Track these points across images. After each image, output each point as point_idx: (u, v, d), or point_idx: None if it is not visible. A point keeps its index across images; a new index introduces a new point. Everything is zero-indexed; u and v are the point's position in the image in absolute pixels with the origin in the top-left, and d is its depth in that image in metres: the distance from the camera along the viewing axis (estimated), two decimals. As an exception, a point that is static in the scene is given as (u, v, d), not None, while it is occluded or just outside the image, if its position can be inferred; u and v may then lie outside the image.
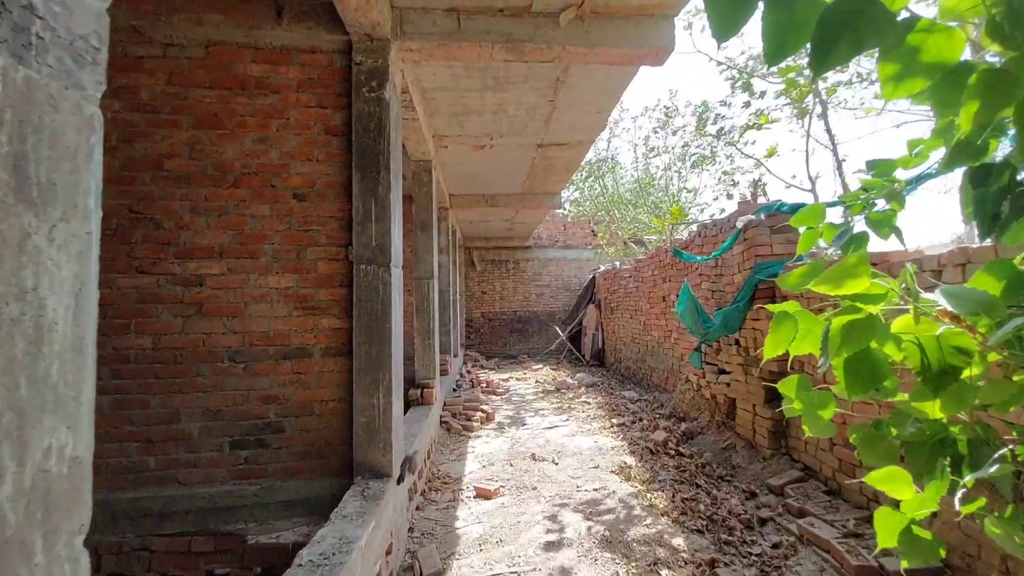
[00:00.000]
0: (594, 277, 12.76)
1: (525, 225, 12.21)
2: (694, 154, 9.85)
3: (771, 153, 7.62)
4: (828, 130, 7.21)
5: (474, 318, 14.79)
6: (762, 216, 4.08)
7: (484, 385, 9.16)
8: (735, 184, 9.31)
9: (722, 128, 8.69)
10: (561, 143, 6.30)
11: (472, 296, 14.82)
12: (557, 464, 4.78)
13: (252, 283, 3.25)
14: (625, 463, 4.58)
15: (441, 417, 6.47)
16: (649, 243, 11.53)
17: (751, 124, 7.67)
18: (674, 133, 10.18)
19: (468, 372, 10.76)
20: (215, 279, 3.23)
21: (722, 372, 4.80)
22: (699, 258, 4.83)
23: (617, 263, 11.06)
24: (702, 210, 10.53)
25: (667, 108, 9.59)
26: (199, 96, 3.29)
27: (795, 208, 3.81)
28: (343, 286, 3.27)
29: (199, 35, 3.28)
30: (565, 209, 14.39)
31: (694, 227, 6.16)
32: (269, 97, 3.33)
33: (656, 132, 10.64)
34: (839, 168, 7.08)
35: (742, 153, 8.66)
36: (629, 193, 12.28)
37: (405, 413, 5.34)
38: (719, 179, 10.06)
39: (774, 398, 4.05)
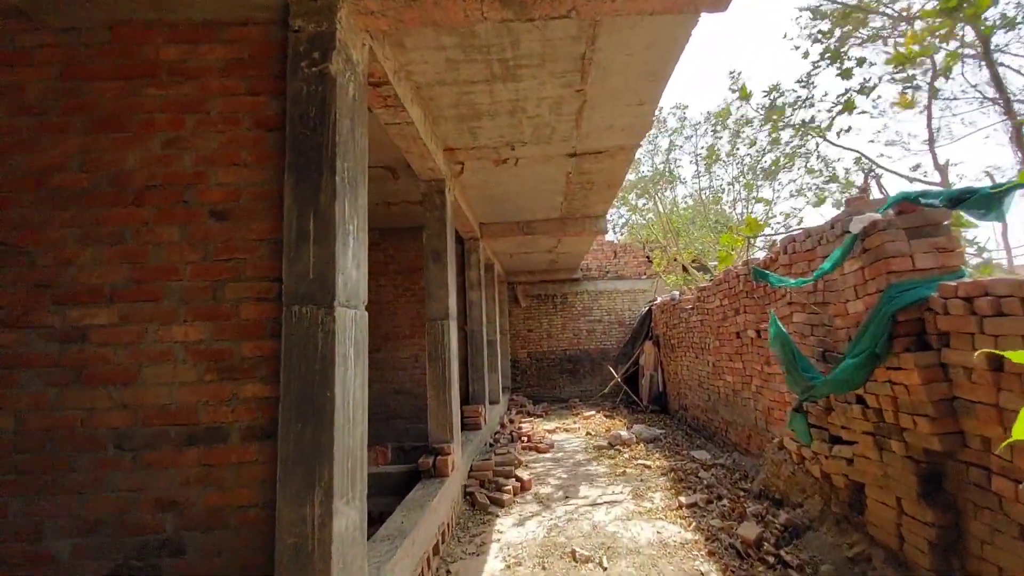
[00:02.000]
0: (650, 309, 11.35)
1: (570, 255, 11.10)
2: (770, 150, 8.20)
3: (906, 105, 5.82)
4: (996, 82, 5.44)
5: (520, 358, 13.65)
6: (891, 213, 2.78)
7: (525, 439, 7.92)
8: (834, 181, 7.68)
9: (803, 121, 7.13)
10: (598, 151, 5.22)
11: (517, 335, 13.73)
12: (606, 570, 3.48)
13: (151, 336, 2.33)
14: (702, 574, 3.23)
15: (466, 488, 5.31)
16: (714, 269, 10.07)
17: (844, 103, 6.16)
18: (738, 132, 8.76)
19: (510, 421, 9.56)
20: (102, 332, 2.34)
21: (838, 441, 3.39)
22: (792, 282, 3.52)
23: (676, 293, 9.66)
24: (783, 225, 8.99)
25: (736, 88, 7.91)
26: (97, 91, 2.50)
27: (954, 197, 2.49)
28: (275, 336, 2.29)
29: (101, 14, 2.52)
30: (614, 235, 13.18)
31: (778, 240, 4.81)
32: (185, 85, 2.49)
33: (717, 131, 9.23)
34: (1019, 137, 5.33)
35: (834, 144, 7.03)
36: (690, 211, 10.94)
37: (412, 489, 4.24)
38: (799, 186, 8.54)
39: (934, 491, 2.63)
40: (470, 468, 5.75)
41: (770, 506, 3.93)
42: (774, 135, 7.41)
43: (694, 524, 4.00)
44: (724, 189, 10.45)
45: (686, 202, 11.32)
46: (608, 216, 8.46)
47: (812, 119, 6.84)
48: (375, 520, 4.75)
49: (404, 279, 8.40)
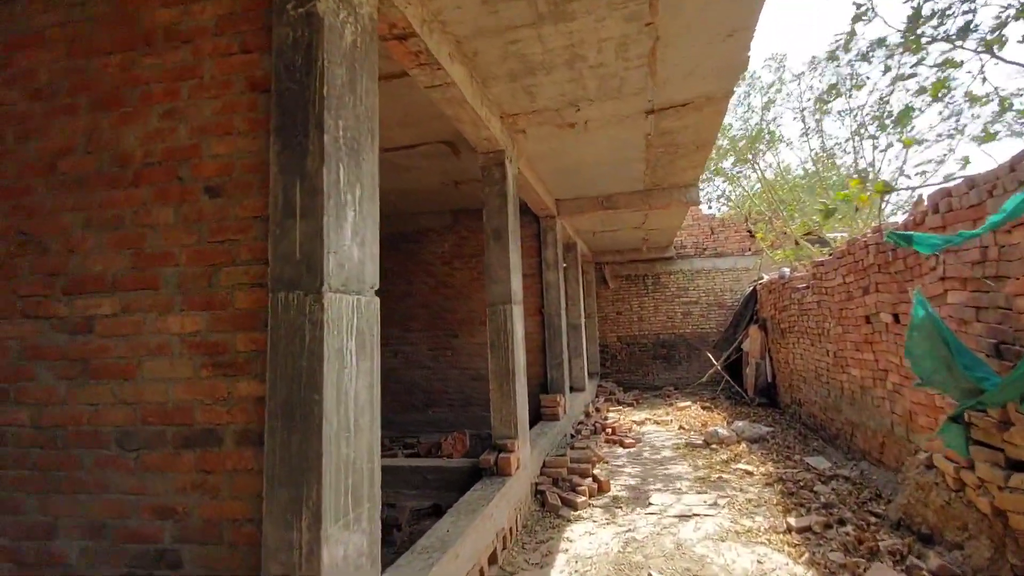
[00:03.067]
0: (755, 290, 10.07)
1: (660, 232, 10.14)
2: (911, 74, 6.43)
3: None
4: None
5: (609, 343, 12.93)
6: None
7: (609, 431, 7.32)
8: (1008, 111, 5.97)
9: (963, 27, 5.37)
10: (680, 103, 4.42)
11: (605, 318, 13.00)
12: (687, 605, 2.87)
13: (149, 327, 2.13)
14: (815, 628, 2.51)
15: (537, 486, 4.89)
16: (834, 241, 8.60)
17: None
18: (866, 57, 7.12)
19: (596, 410, 8.98)
20: (106, 322, 2.19)
21: (1019, 468, 2.46)
22: (957, 237, 2.58)
23: (785, 270, 8.38)
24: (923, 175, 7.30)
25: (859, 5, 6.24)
26: (99, 66, 2.35)
27: None
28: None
29: (102, -18, 2.36)
30: (710, 207, 11.90)
31: (924, 196, 3.73)
32: (180, 50, 2.25)
33: (837, 60, 7.59)
34: None
35: (1008, 61, 5.31)
36: (799, 179, 9.45)
37: (471, 488, 3.89)
38: (952, 125, 6.82)
39: None
40: (543, 464, 5.32)
41: (913, 542, 3.02)
42: (919, 53, 5.87)
43: (807, 555, 3.21)
44: (841, 146, 8.82)
45: (795, 170, 9.77)
46: (700, 186, 7.47)
47: (974, 28, 5.24)
48: (438, 514, 4.53)
49: (479, 262, 8.10)
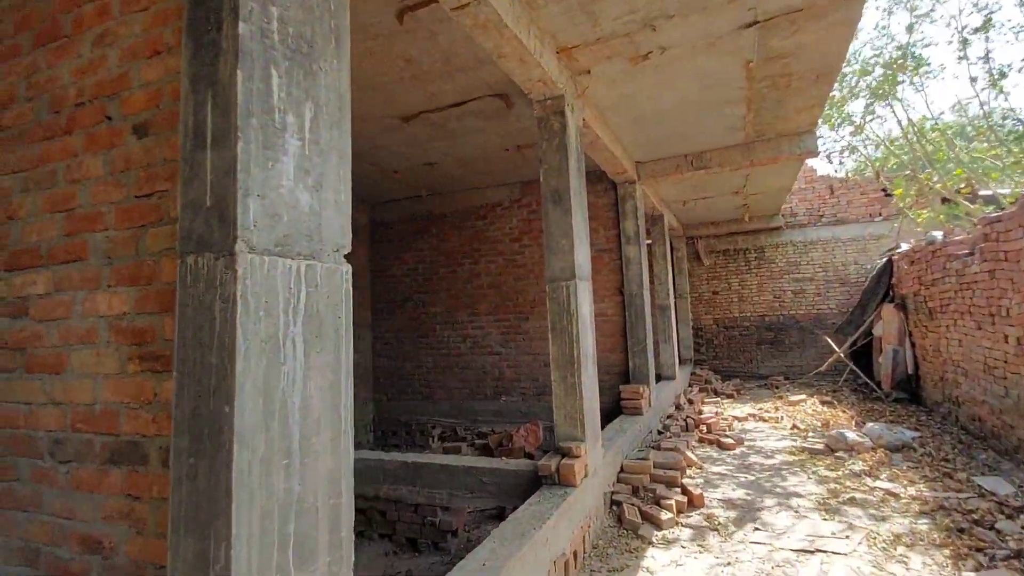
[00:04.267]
0: (889, 262, 8.32)
1: (765, 197, 8.70)
2: None
3: None
4: None
5: (704, 326, 11.62)
6: None
7: (704, 428, 6.32)
8: None
9: None
10: (795, 8, 3.34)
11: (700, 298, 11.68)
12: None
13: (78, 309, 1.69)
14: None
15: (612, 495, 4.13)
16: (1004, 198, 6.75)
17: None
18: None
19: (689, 402, 7.94)
20: (40, 304, 1.78)
21: None
22: None
23: (936, 234, 6.72)
24: None
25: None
26: (37, -7, 1.93)
27: None
28: (201, 307, 1.45)
29: None
30: (830, 162, 10.08)
31: None
32: (108, -46, 1.76)
33: None
34: None
35: None
36: (954, 119, 7.56)
37: (528, 500, 3.24)
38: None
39: None
40: (620, 468, 4.53)
41: None
42: None
43: (1003, 636, 2.19)
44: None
45: (946, 112, 7.84)
46: (818, 132, 6.10)
47: None
48: (502, 518, 3.95)
49: (551, 238, 7.34)
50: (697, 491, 4.17)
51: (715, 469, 4.99)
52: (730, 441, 5.73)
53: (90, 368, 1.63)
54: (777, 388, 9.38)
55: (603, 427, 5.22)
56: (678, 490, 4.25)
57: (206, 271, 1.27)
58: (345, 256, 1.57)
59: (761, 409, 7.57)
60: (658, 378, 8.16)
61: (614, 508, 4.06)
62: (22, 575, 1.71)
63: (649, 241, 8.81)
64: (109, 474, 1.57)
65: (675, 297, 10.97)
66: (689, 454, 5.12)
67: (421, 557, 4.14)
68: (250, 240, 1.26)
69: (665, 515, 3.80)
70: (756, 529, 3.63)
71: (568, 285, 3.76)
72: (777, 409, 7.54)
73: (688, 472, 4.78)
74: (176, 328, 1.32)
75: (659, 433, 6.19)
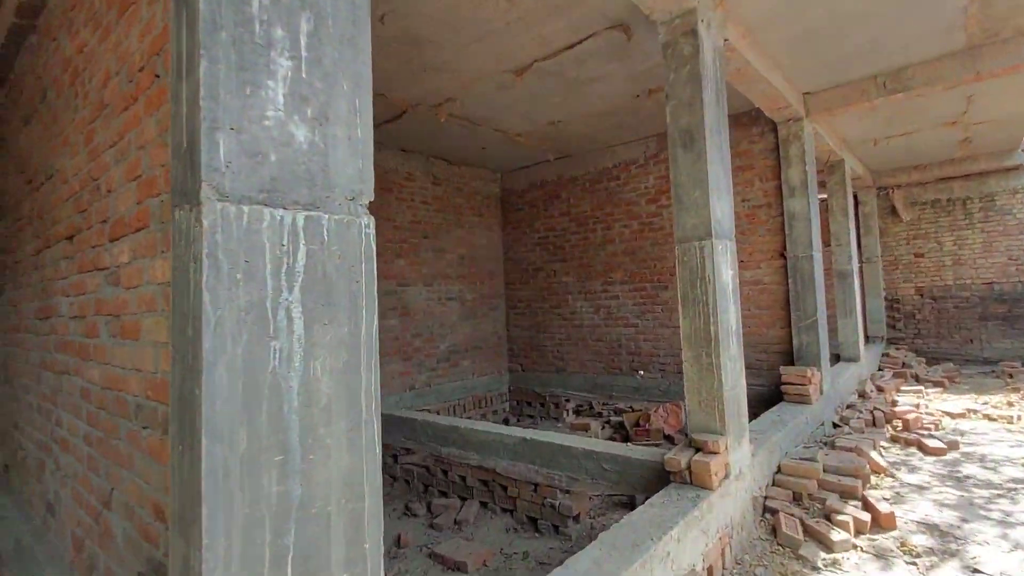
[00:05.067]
0: None
1: (997, 124, 6.53)
2: None
3: None
4: None
5: (902, 296, 9.44)
6: None
7: (897, 425, 5.03)
8: None
9: None
10: None
11: (895, 262, 9.49)
12: None
13: (145, 276, 1.67)
14: None
15: (765, 501, 3.42)
16: None
17: None
18: None
19: (878, 390, 6.48)
20: (125, 271, 1.83)
21: None
22: None
23: None
24: None
25: None
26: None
27: None
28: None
29: None
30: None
31: None
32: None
33: None
34: None
35: None
36: None
37: (650, 499, 2.76)
38: None
39: None
40: (777, 468, 3.74)
41: None
42: None
43: None
44: None
45: None
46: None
47: None
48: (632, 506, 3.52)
49: (694, 196, 6.42)
50: (885, 507, 3.23)
51: (912, 479, 3.88)
52: (937, 444, 4.44)
53: (152, 336, 1.60)
54: (1012, 377, 7.20)
55: (755, 416, 4.40)
56: (857, 503, 3.35)
57: (185, 226, 1.06)
58: (367, 206, 1.26)
59: (986, 403, 5.83)
60: (835, 359, 6.79)
61: (767, 517, 3.35)
62: (124, 528, 1.80)
63: (823, 195, 7.27)
64: (167, 445, 1.53)
65: (860, 262, 9.05)
66: (875, 457, 4.06)
67: (541, 539, 3.91)
68: (220, 185, 1.01)
69: (838, 534, 3.00)
70: (968, 569, 2.65)
71: (702, 246, 3.09)
72: (1011, 405, 5.73)
73: (872, 481, 3.78)
74: (171, 295, 1.14)
75: (834, 427, 5.08)
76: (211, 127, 1.00)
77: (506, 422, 7.69)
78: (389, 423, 5.21)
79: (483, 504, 4.41)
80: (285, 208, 1.10)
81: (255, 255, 1.05)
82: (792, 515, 3.24)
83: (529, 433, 4.16)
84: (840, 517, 3.15)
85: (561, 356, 7.37)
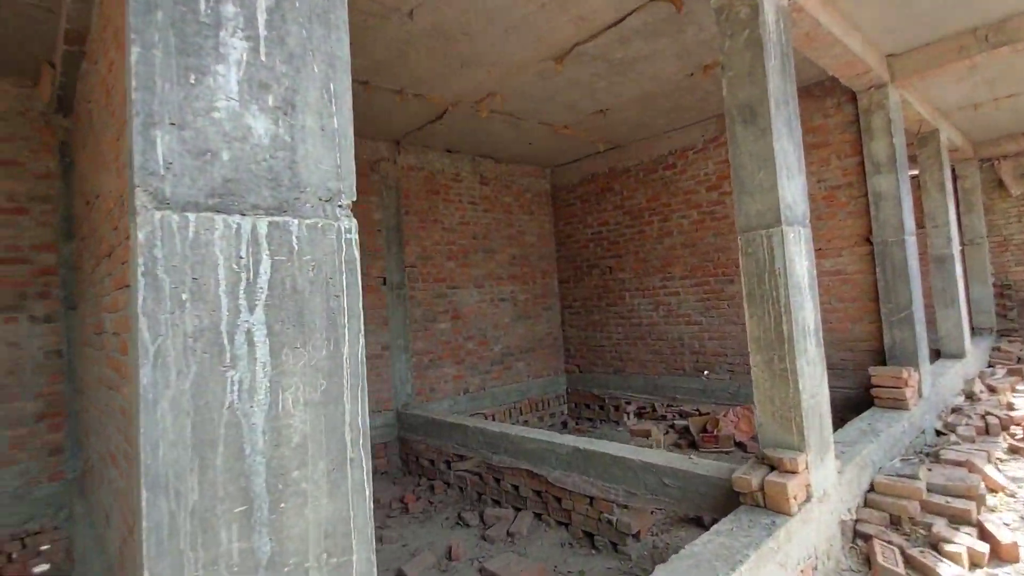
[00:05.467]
0: None
1: None
2: None
3: None
4: None
5: (1015, 282, 8.25)
6: None
7: (1017, 432, 4.30)
8: None
9: None
10: None
11: (1006, 242, 8.32)
12: None
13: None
14: None
15: (855, 525, 2.97)
16: None
17: None
18: None
19: (989, 390, 5.64)
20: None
21: None
22: None
23: None
24: None
25: None
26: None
27: None
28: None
29: None
30: None
31: None
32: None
33: None
34: None
35: None
36: None
37: (715, 525, 2.44)
38: None
39: None
40: (869, 486, 3.26)
41: None
42: None
43: None
44: None
45: None
46: None
47: None
48: (700, 526, 3.17)
49: (761, 180, 5.86)
50: (1007, 535, 2.70)
51: (1045, 500, 3.25)
52: (1073, 456, 3.73)
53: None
54: None
55: (840, 425, 3.90)
56: (971, 530, 2.83)
57: (128, 240, 0.92)
58: (349, 207, 1.08)
59: None
60: (935, 355, 5.99)
61: (858, 543, 2.90)
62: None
63: (914, 171, 6.45)
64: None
65: (962, 244, 8.00)
66: (991, 473, 3.46)
67: (598, 557, 3.65)
68: (158, 191, 0.86)
69: (948, 568, 2.53)
70: None
71: (769, 234, 2.70)
72: None
73: (989, 502, 3.20)
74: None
75: (937, 435, 4.44)
76: (146, 123, 0.85)
77: (564, 425, 7.43)
78: (441, 428, 5.12)
79: (537, 516, 4.20)
80: (243, 214, 0.94)
81: (205, 271, 0.89)
82: (890, 543, 2.78)
83: (582, 442, 3.90)
84: (950, 547, 2.66)
85: (620, 356, 7.02)
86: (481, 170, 6.90)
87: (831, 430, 2.89)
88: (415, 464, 5.47)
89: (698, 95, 5.18)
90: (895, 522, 3.02)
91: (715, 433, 5.62)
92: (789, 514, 2.44)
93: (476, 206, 6.83)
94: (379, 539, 4.04)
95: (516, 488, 4.35)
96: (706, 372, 6.24)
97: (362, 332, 1.07)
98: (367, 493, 1.05)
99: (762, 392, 2.77)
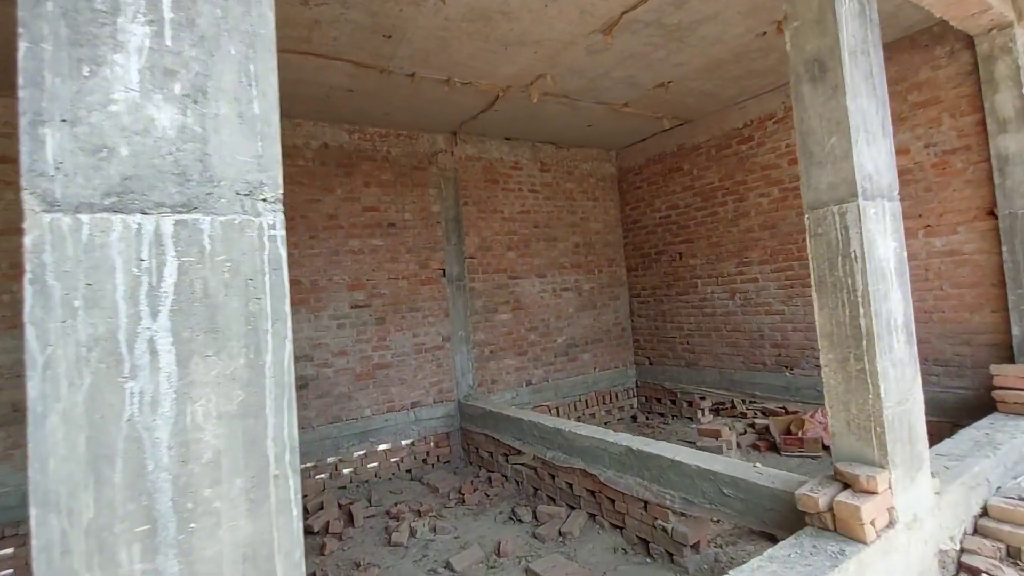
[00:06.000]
0: None
1: None
2: None
3: None
4: None
5: None
6: None
7: None
8: None
9: None
10: None
11: None
12: None
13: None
14: None
15: (959, 555, 2.49)
16: None
17: None
18: None
19: None
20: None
21: None
22: None
23: None
24: None
25: None
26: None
27: None
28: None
29: None
30: None
31: None
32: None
33: None
34: None
35: None
36: None
37: (771, 550, 2.14)
38: None
39: None
40: (982, 510, 2.72)
41: None
42: None
43: None
44: None
45: None
46: None
47: None
48: (770, 540, 2.83)
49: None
50: None
51: None
52: None
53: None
54: None
55: (950, 434, 3.31)
56: None
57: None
58: (277, 201, 0.99)
59: None
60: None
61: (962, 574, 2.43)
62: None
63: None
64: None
65: None
66: None
67: (651, 566, 3.41)
68: (48, 192, 0.81)
69: (1086, 621, 2.02)
70: None
71: (843, 211, 2.29)
72: None
73: None
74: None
75: (1085, 447, 3.63)
76: (33, 121, 0.81)
77: (634, 419, 7.11)
78: (498, 421, 5.07)
79: (591, 516, 4.02)
80: (145, 213, 0.87)
81: (101, 275, 0.84)
82: (1004, 572, 2.29)
83: (636, 442, 3.65)
84: (1094, 594, 2.13)
85: (692, 348, 6.55)
86: (541, 156, 6.70)
87: (926, 443, 2.42)
88: (475, 455, 5.48)
89: (774, 57, 4.61)
90: (1013, 555, 2.49)
91: (800, 435, 5.06)
92: (864, 541, 2.07)
93: (537, 194, 6.66)
94: (433, 529, 4.07)
95: (570, 486, 4.19)
96: (791, 368, 5.64)
97: (289, 338, 0.98)
98: (294, 513, 0.96)
99: (835, 397, 2.38)
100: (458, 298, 5.88)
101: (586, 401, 6.80)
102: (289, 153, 4.93)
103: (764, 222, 5.66)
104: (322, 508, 4.39)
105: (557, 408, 6.52)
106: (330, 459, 4.93)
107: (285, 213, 1.01)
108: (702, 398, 6.44)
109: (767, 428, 5.48)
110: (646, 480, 3.49)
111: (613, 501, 3.80)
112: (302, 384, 4.84)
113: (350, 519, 4.26)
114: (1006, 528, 2.55)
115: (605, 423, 6.85)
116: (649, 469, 3.46)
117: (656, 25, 3.85)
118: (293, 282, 4.90)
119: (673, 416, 6.79)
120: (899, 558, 2.17)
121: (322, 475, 4.88)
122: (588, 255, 7.03)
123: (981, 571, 2.37)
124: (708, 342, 6.35)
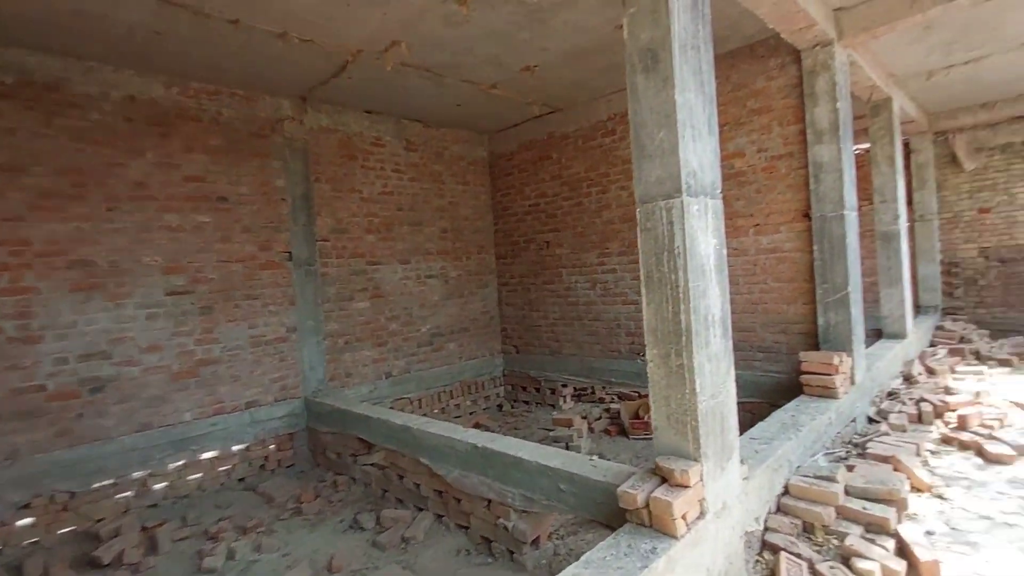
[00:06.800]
0: None
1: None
2: None
3: None
4: None
5: (962, 260, 8.17)
6: None
7: (949, 421, 4.09)
8: None
9: None
10: None
11: (954, 220, 8.19)
12: None
13: None
14: None
15: (763, 535, 2.65)
16: None
17: None
18: None
19: (928, 372, 5.48)
20: None
21: None
22: None
23: None
24: None
25: None
26: None
27: None
28: None
29: None
30: None
31: None
32: None
33: None
34: None
35: None
36: None
37: (594, 549, 2.06)
38: None
39: None
40: (784, 488, 2.95)
41: None
42: None
43: None
44: None
45: None
46: None
47: None
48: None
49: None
50: (925, 554, 2.40)
51: (969, 503, 2.99)
52: (1003, 449, 3.51)
53: None
54: (1099, 353, 6.00)
55: (764, 418, 3.58)
56: (889, 542, 2.54)
57: None
58: None
59: (1067, 389, 4.76)
60: (877, 335, 5.81)
61: (764, 555, 2.59)
62: None
63: (867, 144, 6.13)
64: None
65: (911, 220, 7.82)
66: (916, 470, 3.19)
67: (493, 566, 3.29)
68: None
69: (857, 589, 2.22)
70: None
71: (669, 206, 2.26)
72: (1102, 391, 4.65)
73: (911, 508, 2.92)
74: None
75: (869, 423, 4.20)
76: None
77: (499, 408, 7.07)
78: (346, 418, 4.65)
79: (439, 517, 3.81)
80: None
81: None
82: (799, 556, 2.47)
83: (482, 439, 3.49)
84: (863, 563, 2.36)
85: (556, 337, 6.63)
86: (407, 134, 6.28)
87: (736, 433, 2.52)
88: (323, 457, 5.02)
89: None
90: (808, 530, 2.71)
91: (646, 419, 5.32)
92: (676, 536, 2.07)
93: (402, 174, 6.23)
94: (257, 548, 3.59)
95: (418, 487, 3.95)
96: (641, 356, 5.90)
97: None
98: None
99: (658, 392, 2.37)
100: (307, 284, 5.31)
101: (451, 392, 6.60)
102: (76, 103, 3.98)
103: (624, 214, 5.82)
104: (118, 535, 3.67)
105: (420, 400, 6.24)
106: (136, 474, 4.16)
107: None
108: (564, 385, 6.56)
109: (618, 414, 5.70)
110: (490, 478, 3.35)
111: (459, 501, 3.62)
112: (96, 387, 4.00)
113: (153, 545, 3.61)
114: (802, 505, 2.78)
115: (471, 412, 6.72)
116: (493, 467, 3.32)
117: (516, 2, 3.64)
118: (83, 263, 4.01)
119: (537, 404, 6.86)
120: (708, 547, 2.22)
121: (125, 494, 4.10)
122: (456, 241, 6.78)
123: (780, 548, 2.54)
124: (571, 331, 6.46)
